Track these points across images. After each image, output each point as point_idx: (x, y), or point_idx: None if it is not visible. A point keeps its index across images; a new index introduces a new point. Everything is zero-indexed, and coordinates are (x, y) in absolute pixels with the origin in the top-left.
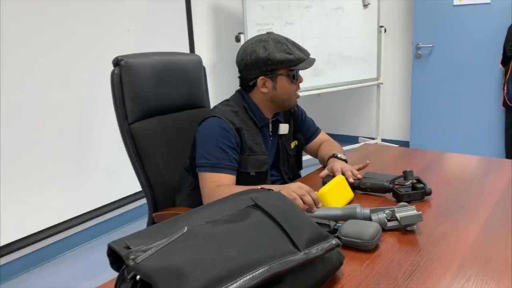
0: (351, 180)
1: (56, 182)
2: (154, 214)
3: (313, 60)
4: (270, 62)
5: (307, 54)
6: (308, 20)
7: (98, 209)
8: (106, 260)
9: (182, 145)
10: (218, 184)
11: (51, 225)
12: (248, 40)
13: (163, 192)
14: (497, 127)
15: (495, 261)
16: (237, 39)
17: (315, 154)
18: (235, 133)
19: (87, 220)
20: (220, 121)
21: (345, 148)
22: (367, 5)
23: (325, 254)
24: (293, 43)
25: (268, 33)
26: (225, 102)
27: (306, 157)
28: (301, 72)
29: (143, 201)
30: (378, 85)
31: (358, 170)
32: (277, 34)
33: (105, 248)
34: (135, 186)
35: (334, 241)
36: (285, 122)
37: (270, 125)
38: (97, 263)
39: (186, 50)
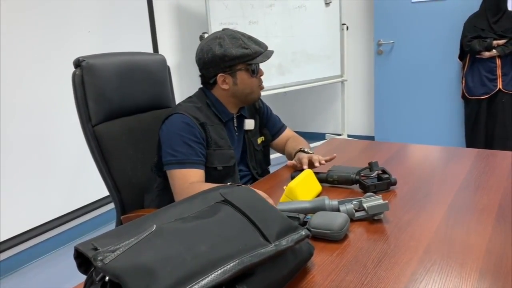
0: (317, 164)
1: (18, 189)
2: (122, 217)
3: (270, 52)
4: (227, 58)
5: (264, 47)
6: (272, 19)
7: (64, 216)
8: (73, 269)
9: (148, 146)
10: (188, 180)
11: (13, 235)
12: (205, 38)
13: (131, 194)
14: (457, 118)
15: (458, 244)
16: (202, 39)
17: (281, 150)
18: (199, 128)
19: (52, 228)
20: (183, 117)
21: (313, 145)
22: (329, 3)
23: (295, 245)
24: (250, 37)
25: (224, 29)
26: (188, 99)
27: (274, 155)
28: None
29: (111, 206)
30: (342, 82)
31: (326, 162)
32: (232, 30)
33: (71, 257)
34: (102, 191)
35: (303, 232)
36: (250, 118)
37: (235, 120)
38: (64, 272)
39: (150, 51)
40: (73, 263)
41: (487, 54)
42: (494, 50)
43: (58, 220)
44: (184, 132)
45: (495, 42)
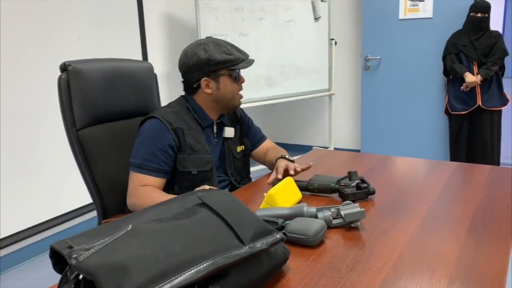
0: (291, 172)
1: (1, 194)
2: (103, 221)
3: (252, 60)
4: (211, 62)
5: (245, 55)
6: (262, 32)
7: (46, 222)
8: (53, 276)
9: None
10: (141, 184)
11: None
12: (188, 45)
13: (113, 199)
14: (441, 133)
15: (431, 252)
16: None
17: (262, 160)
18: (171, 133)
19: (34, 234)
20: (156, 122)
21: (298, 156)
22: (318, 18)
23: (270, 248)
24: (232, 45)
25: (207, 37)
26: (167, 105)
27: (258, 167)
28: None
29: (95, 213)
30: (330, 96)
31: (302, 170)
32: (216, 38)
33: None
34: (86, 197)
35: (278, 235)
36: (231, 126)
37: (215, 126)
38: (44, 278)
39: (140, 59)
40: (51, 271)
41: (474, 82)
42: (479, 76)
43: (40, 226)
44: (152, 139)
45: (466, 75)
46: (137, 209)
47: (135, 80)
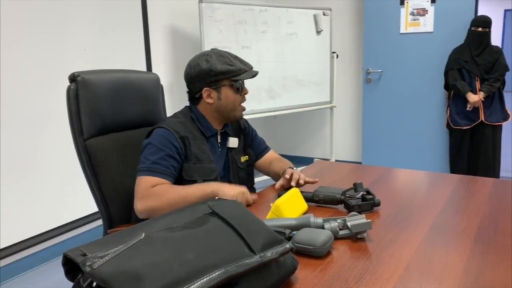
0: (293, 183)
1: (6, 201)
2: (109, 231)
3: (255, 72)
4: (213, 73)
5: (249, 66)
6: (264, 45)
7: (51, 231)
8: (57, 285)
9: (137, 162)
10: (153, 185)
11: None
12: (193, 56)
13: (118, 209)
14: (443, 146)
15: (438, 263)
16: None
17: (265, 171)
18: (179, 141)
19: (38, 243)
20: (164, 131)
21: (300, 168)
22: (320, 31)
23: (280, 257)
24: (235, 57)
25: (212, 49)
26: (172, 115)
27: (262, 178)
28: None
29: (99, 222)
30: (331, 108)
31: (306, 182)
32: (220, 50)
33: (58, 272)
34: (91, 206)
35: (288, 245)
36: (235, 137)
37: (219, 136)
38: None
39: (144, 70)
40: (57, 280)
41: (478, 101)
42: (481, 93)
43: (45, 235)
44: (161, 145)
45: (468, 95)
46: (155, 210)
47: (142, 91)
